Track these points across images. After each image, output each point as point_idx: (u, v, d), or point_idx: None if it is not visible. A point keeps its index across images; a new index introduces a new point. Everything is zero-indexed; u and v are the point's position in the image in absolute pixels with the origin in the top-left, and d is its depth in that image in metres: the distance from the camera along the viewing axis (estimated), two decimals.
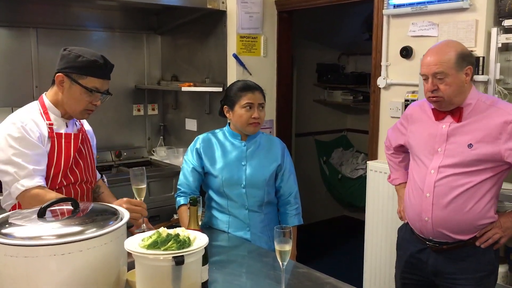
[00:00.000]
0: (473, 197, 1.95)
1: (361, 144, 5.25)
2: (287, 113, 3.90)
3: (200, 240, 1.36)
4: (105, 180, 2.32)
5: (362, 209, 5.03)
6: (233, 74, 3.57)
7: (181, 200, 2.28)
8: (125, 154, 4.05)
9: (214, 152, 2.32)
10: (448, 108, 1.99)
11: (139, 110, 4.24)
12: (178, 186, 2.34)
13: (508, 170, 1.98)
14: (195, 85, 3.78)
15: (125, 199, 1.87)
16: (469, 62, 1.95)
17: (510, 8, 2.44)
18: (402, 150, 2.34)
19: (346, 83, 4.85)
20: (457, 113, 1.98)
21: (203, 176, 2.34)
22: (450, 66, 1.91)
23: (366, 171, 4.78)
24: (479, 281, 2.03)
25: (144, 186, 1.98)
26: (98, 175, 2.24)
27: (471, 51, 2.00)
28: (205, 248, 1.39)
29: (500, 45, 2.48)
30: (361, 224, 5.11)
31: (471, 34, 2.55)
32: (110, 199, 2.11)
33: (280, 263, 1.61)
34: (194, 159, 2.32)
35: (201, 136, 2.37)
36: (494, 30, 2.48)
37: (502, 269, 2.47)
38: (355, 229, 5.10)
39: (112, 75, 2.02)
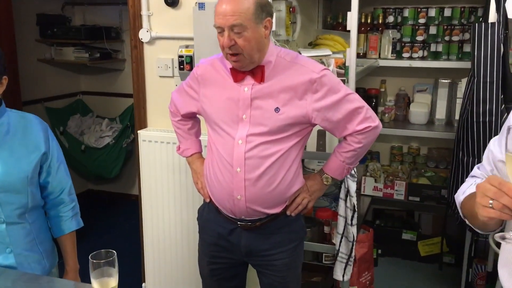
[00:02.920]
0: (283, 166, 1.76)
1: (101, 108, 4.66)
2: (14, 77, 3.03)
3: None
4: None
5: (109, 180, 4.58)
6: None
7: None
8: None
9: None
10: (249, 67, 1.70)
11: None
12: None
13: (311, 131, 1.85)
14: None
15: None
16: (268, 12, 1.68)
17: None
18: (191, 116, 1.99)
19: (78, 38, 4.09)
20: (258, 72, 1.71)
21: None
22: (248, 17, 1.60)
23: (113, 139, 4.30)
24: (293, 251, 1.89)
25: None
26: None
27: None
28: None
29: None
30: (111, 196, 4.73)
31: None
32: None
33: None
34: None
35: None
36: None
37: None
38: (107, 202, 4.64)
39: None
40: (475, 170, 1.39)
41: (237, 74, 1.73)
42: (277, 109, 1.70)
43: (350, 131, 1.77)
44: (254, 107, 1.72)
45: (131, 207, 4.34)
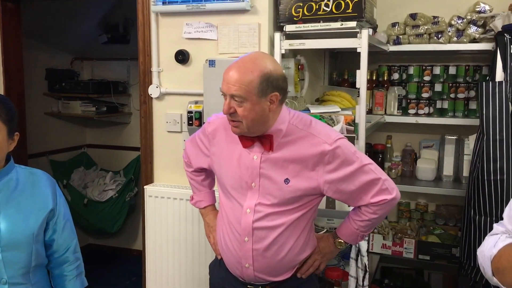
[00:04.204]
0: (292, 235, 1.71)
1: (105, 161, 4.64)
2: (21, 131, 3.01)
3: None
4: None
5: (110, 235, 4.49)
6: None
7: None
8: None
9: None
10: (250, 135, 1.65)
11: None
12: None
13: (322, 198, 1.79)
14: None
15: None
16: (276, 87, 1.58)
17: (291, 13, 2.34)
18: (204, 168, 1.95)
19: (85, 92, 4.14)
20: (267, 141, 1.65)
21: None
22: (249, 90, 1.54)
23: (116, 192, 4.25)
24: None
25: None
26: None
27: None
28: None
29: (284, 51, 2.36)
30: (112, 250, 4.62)
31: (254, 38, 2.36)
32: None
33: None
34: None
35: None
36: (277, 36, 2.34)
37: None
38: (107, 257, 4.52)
39: None
40: (497, 228, 1.35)
41: (246, 141, 1.68)
42: (286, 180, 1.65)
43: (365, 203, 1.69)
44: (264, 176, 1.67)
45: (132, 262, 4.24)
